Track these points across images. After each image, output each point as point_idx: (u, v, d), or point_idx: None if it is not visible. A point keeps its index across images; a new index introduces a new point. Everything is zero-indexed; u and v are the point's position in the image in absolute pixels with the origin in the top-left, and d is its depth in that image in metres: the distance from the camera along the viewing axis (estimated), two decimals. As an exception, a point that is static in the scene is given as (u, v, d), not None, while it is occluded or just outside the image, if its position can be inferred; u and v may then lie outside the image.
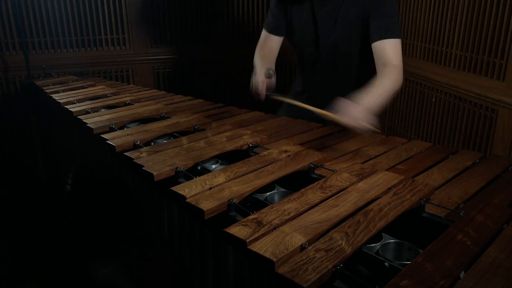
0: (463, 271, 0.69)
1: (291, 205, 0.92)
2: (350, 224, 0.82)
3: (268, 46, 1.77)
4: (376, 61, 1.49)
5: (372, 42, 1.49)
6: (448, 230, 0.80)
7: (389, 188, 0.98)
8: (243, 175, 1.09)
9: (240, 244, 0.80)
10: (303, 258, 0.72)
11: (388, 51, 1.46)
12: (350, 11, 1.55)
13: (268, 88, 1.53)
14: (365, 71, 1.58)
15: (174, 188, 1.02)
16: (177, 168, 1.15)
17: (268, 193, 1.07)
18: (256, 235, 0.80)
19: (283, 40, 1.78)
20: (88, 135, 1.55)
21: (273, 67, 1.64)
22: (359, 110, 1.25)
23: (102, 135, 1.44)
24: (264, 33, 1.79)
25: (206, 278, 1.04)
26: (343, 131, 1.55)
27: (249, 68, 2.01)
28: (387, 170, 1.13)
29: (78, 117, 1.67)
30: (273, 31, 1.76)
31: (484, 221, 0.83)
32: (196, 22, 3.21)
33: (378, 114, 1.30)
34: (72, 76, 2.62)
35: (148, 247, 2.36)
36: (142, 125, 1.58)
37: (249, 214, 0.89)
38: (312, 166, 1.16)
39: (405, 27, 2.54)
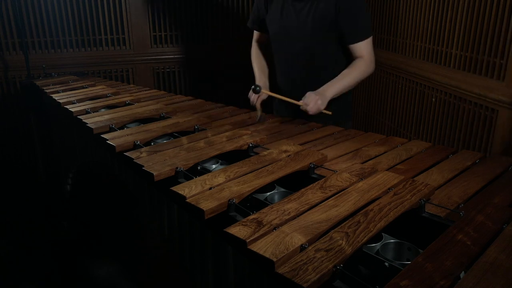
0: (463, 271, 0.69)
1: (291, 205, 0.92)
2: (350, 224, 0.82)
3: (258, 46, 1.95)
4: (352, 56, 1.71)
5: (348, 45, 1.67)
6: (448, 230, 0.80)
7: (389, 188, 0.98)
8: (243, 175, 1.09)
9: (240, 244, 0.80)
10: (303, 258, 0.72)
11: (360, 50, 1.67)
12: (320, 8, 1.65)
13: (259, 98, 1.73)
14: (335, 63, 1.73)
15: (174, 188, 1.02)
16: (177, 168, 1.15)
17: (268, 193, 1.07)
18: (256, 235, 0.80)
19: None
20: (88, 135, 1.55)
21: (264, 79, 1.85)
22: (315, 98, 1.56)
23: (102, 135, 1.44)
24: (254, 32, 1.96)
25: (206, 278, 1.04)
26: (343, 131, 1.55)
27: (249, 68, 2.01)
28: (387, 170, 1.13)
29: (78, 117, 1.67)
30: (256, 28, 1.92)
31: (484, 221, 0.83)
32: (196, 22, 3.21)
33: (334, 97, 1.63)
34: (72, 76, 2.62)
35: (148, 247, 2.36)
36: (142, 125, 1.58)
37: (249, 214, 0.89)
38: (312, 166, 1.16)
39: (405, 27, 2.54)
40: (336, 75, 1.67)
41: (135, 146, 1.36)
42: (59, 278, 2.15)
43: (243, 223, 0.84)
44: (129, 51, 3.09)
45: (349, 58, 1.71)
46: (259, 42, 1.96)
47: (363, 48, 1.67)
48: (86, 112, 1.74)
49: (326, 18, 1.63)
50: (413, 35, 2.47)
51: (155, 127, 1.52)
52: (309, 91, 1.60)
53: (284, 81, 1.83)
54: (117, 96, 2.02)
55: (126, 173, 1.39)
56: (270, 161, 1.17)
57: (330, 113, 1.62)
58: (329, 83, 1.64)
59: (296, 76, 1.76)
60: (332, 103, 1.64)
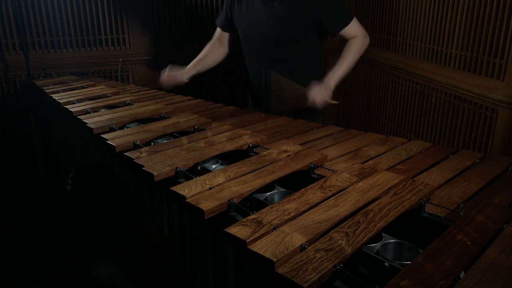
0: (463, 271, 0.69)
1: (291, 205, 0.92)
2: (350, 224, 0.82)
3: (212, 44, 2.05)
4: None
5: (336, 33, 1.78)
6: (448, 230, 0.80)
7: (389, 188, 0.98)
8: (243, 175, 1.09)
9: (240, 244, 0.80)
10: (303, 258, 0.72)
11: (351, 32, 1.77)
12: (292, 4, 1.72)
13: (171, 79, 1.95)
14: (306, 56, 1.82)
15: (174, 188, 1.02)
16: (177, 168, 1.15)
17: (268, 193, 1.07)
18: (256, 235, 0.80)
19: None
20: (88, 135, 1.55)
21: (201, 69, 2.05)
22: (321, 90, 1.64)
23: (102, 135, 1.44)
24: (217, 29, 2.03)
25: (206, 278, 1.04)
26: (343, 131, 1.55)
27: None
28: (387, 170, 1.13)
29: (78, 117, 1.67)
30: (223, 27, 1.99)
31: (484, 221, 0.83)
32: (196, 22, 3.21)
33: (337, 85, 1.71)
34: (72, 76, 2.62)
35: (148, 247, 2.35)
36: (142, 125, 1.58)
37: (249, 214, 0.89)
38: (312, 166, 1.16)
39: (405, 27, 2.54)
40: (308, 68, 1.80)
41: (135, 146, 1.36)
42: (59, 278, 2.15)
43: (243, 223, 0.84)
44: (129, 51, 3.08)
45: (320, 50, 1.84)
46: (218, 39, 2.03)
47: (354, 29, 1.76)
48: (86, 112, 1.74)
49: (293, 8, 1.71)
50: (413, 35, 2.47)
51: (155, 127, 1.52)
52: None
53: (255, 78, 1.92)
54: (117, 96, 2.02)
55: (126, 173, 1.39)
56: (270, 161, 1.17)
57: (337, 102, 1.72)
58: (331, 72, 1.72)
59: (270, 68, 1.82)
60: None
